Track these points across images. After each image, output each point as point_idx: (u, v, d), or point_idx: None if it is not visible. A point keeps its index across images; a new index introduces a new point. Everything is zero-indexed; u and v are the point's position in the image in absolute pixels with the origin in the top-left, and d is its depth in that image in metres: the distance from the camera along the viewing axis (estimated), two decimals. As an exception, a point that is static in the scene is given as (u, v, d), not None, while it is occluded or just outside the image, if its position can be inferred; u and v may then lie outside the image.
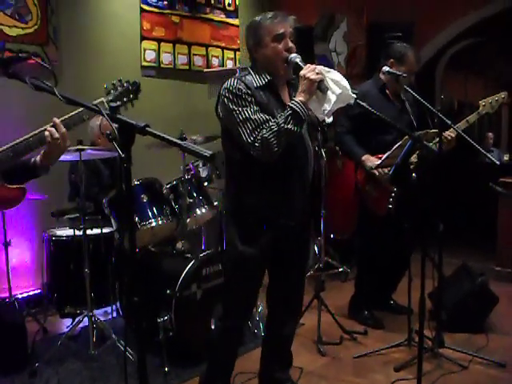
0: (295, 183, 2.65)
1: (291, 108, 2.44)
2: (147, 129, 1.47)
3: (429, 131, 3.38)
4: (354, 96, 2.54)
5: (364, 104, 2.83)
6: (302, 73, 2.46)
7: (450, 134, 3.53)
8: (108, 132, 1.48)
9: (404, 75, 3.50)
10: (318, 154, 4.36)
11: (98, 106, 1.93)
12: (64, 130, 2.18)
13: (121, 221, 3.58)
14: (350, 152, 3.88)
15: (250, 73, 2.61)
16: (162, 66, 5.42)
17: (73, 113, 2.28)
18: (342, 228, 5.01)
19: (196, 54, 5.70)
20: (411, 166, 3.17)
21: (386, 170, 3.59)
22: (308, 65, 2.48)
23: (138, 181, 3.61)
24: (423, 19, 5.42)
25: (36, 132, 2.21)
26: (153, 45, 5.34)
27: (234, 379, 3.12)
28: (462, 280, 4.03)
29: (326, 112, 2.50)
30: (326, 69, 2.51)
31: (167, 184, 3.76)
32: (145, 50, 5.28)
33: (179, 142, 1.44)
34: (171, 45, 5.48)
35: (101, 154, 3.73)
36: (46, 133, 2.17)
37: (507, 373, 3.23)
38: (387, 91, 3.85)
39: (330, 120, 2.61)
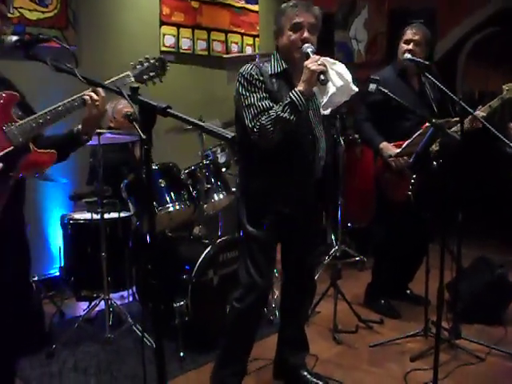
0: (295, 171, 2.67)
1: (290, 97, 2.47)
2: (168, 110, 1.46)
3: (450, 120, 3.33)
4: (356, 89, 2.53)
5: (385, 91, 2.80)
6: (305, 63, 2.47)
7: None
8: (129, 113, 1.46)
9: (426, 62, 3.44)
10: (336, 141, 4.36)
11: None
12: (103, 94, 2.24)
13: (139, 205, 3.58)
14: (369, 140, 3.85)
15: (270, 59, 2.65)
16: (181, 51, 5.40)
17: (115, 78, 2.35)
18: (359, 216, 4.97)
19: (215, 40, 5.68)
20: (432, 155, 3.13)
21: (402, 160, 3.57)
22: (314, 55, 2.49)
23: (157, 165, 3.61)
24: (446, 6, 5.33)
25: (76, 96, 2.25)
26: (172, 30, 5.32)
27: (248, 365, 3.14)
28: (480, 271, 3.98)
29: (322, 104, 2.53)
30: (331, 60, 2.51)
31: (185, 169, 3.76)
32: (164, 35, 5.27)
33: (201, 123, 1.43)
34: (190, 30, 5.46)
35: (119, 138, 3.72)
36: (86, 97, 2.22)
37: (525, 365, 3.20)
38: (406, 76, 3.80)
39: (327, 112, 2.61)
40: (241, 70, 2.59)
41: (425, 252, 3.80)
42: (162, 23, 5.25)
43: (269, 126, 2.45)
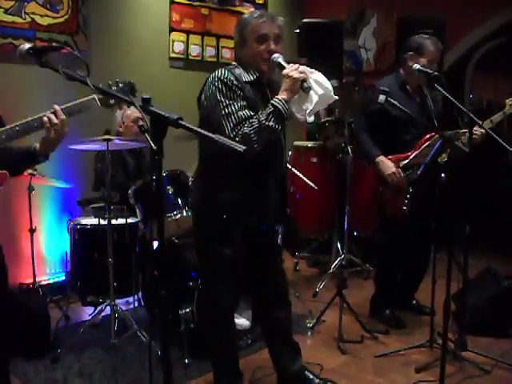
0: (270, 181, 2.69)
1: (273, 105, 2.44)
2: (180, 122, 1.46)
3: (459, 131, 3.32)
4: (336, 97, 2.54)
5: (395, 102, 2.80)
6: (284, 71, 2.47)
7: (477, 131, 3.46)
8: (140, 123, 1.47)
9: (435, 73, 3.43)
10: (344, 150, 4.35)
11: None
12: (63, 117, 2.25)
13: (146, 211, 3.59)
14: (366, 151, 3.76)
15: (237, 67, 2.59)
16: (190, 57, 5.43)
17: (71, 103, 2.36)
18: (365, 225, 4.96)
19: (224, 47, 5.70)
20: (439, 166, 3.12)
21: (399, 175, 3.56)
22: (291, 64, 2.49)
23: (164, 172, 3.62)
24: (455, 16, 5.32)
25: (35, 117, 2.27)
26: (181, 36, 5.35)
27: (253, 373, 3.13)
28: (486, 283, 3.96)
29: (307, 111, 2.50)
30: (309, 69, 2.52)
31: (193, 176, 3.75)
32: (173, 42, 5.29)
33: (212, 135, 1.43)
34: (200, 37, 5.49)
35: (128, 145, 3.74)
36: (45, 118, 2.23)
37: (532, 379, 3.18)
38: (408, 87, 3.74)
39: (311, 119, 2.58)
40: (216, 75, 2.51)
41: (428, 262, 3.80)
42: (172, 29, 5.28)
43: (252, 136, 2.40)
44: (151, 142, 1.43)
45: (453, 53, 5.86)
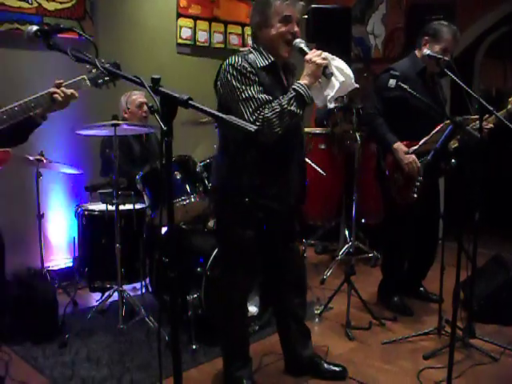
0: (292, 165, 2.69)
1: (295, 90, 2.44)
2: (190, 102, 1.44)
3: (469, 117, 3.29)
4: (357, 85, 2.52)
5: (406, 87, 2.77)
6: (307, 57, 2.46)
7: (488, 123, 3.42)
8: (150, 104, 1.45)
9: (446, 58, 3.39)
10: (352, 136, 4.32)
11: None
12: (68, 92, 2.41)
13: (154, 197, 3.58)
14: (381, 137, 3.69)
15: (252, 52, 2.57)
16: (197, 43, 5.40)
17: (71, 80, 2.49)
18: (373, 212, 4.94)
19: (232, 33, 5.66)
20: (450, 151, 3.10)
21: (415, 164, 3.53)
22: (314, 49, 2.48)
23: (172, 158, 3.60)
24: (466, 2, 5.26)
25: (32, 97, 2.40)
26: (189, 22, 5.31)
27: (261, 359, 3.14)
28: (495, 271, 3.95)
29: (329, 97, 2.50)
30: (331, 56, 2.50)
31: (201, 162, 3.74)
32: (181, 28, 5.26)
33: (222, 115, 1.41)
34: (207, 23, 5.45)
35: (135, 130, 3.73)
36: (56, 95, 2.38)
37: (540, 366, 3.17)
38: (425, 75, 3.69)
39: (331, 106, 2.57)
40: (229, 62, 2.49)
41: (436, 250, 3.78)
42: (179, 15, 5.24)
43: (274, 120, 2.40)
44: (161, 122, 1.41)
45: (462, 39, 5.80)
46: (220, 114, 1.43)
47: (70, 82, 2.45)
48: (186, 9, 5.27)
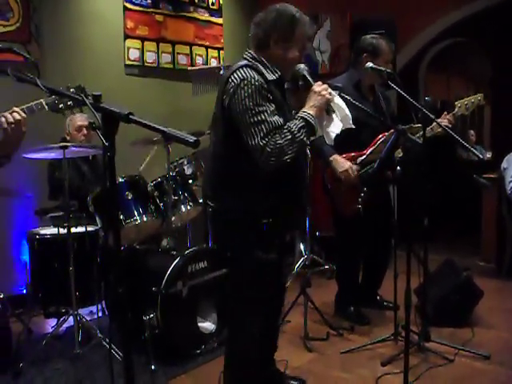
0: (300, 188, 2.61)
1: (305, 120, 2.35)
2: (131, 117, 1.45)
3: (413, 125, 3.39)
4: (353, 126, 2.55)
5: (348, 98, 2.82)
6: (317, 89, 2.41)
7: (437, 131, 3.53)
8: (91, 121, 1.46)
9: (388, 71, 3.49)
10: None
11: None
12: (22, 115, 2.21)
13: (105, 217, 3.55)
14: (319, 150, 3.72)
15: (255, 64, 2.40)
16: (145, 64, 5.41)
17: (30, 103, 2.31)
18: (327, 225, 5.00)
19: (180, 53, 5.69)
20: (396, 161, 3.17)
21: (353, 174, 3.58)
22: (319, 82, 2.45)
23: (123, 178, 3.59)
24: (405, 17, 5.43)
25: None
26: (136, 43, 5.32)
27: (220, 376, 3.10)
28: (446, 275, 4.05)
29: (333, 135, 2.47)
30: (333, 92, 2.49)
31: (152, 181, 3.74)
32: (128, 49, 5.26)
33: (163, 128, 1.43)
34: (155, 43, 5.47)
35: (84, 151, 3.70)
36: (2, 119, 2.18)
37: (492, 365, 3.25)
38: (361, 87, 3.80)
39: (331, 142, 2.54)
40: (243, 76, 2.31)
41: (389, 258, 3.85)
42: (127, 37, 5.25)
43: (285, 148, 2.28)
44: (102, 138, 1.42)
45: (404, 54, 5.99)
46: (160, 127, 1.44)
47: (25, 106, 2.29)
48: (133, 30, 5.28)
